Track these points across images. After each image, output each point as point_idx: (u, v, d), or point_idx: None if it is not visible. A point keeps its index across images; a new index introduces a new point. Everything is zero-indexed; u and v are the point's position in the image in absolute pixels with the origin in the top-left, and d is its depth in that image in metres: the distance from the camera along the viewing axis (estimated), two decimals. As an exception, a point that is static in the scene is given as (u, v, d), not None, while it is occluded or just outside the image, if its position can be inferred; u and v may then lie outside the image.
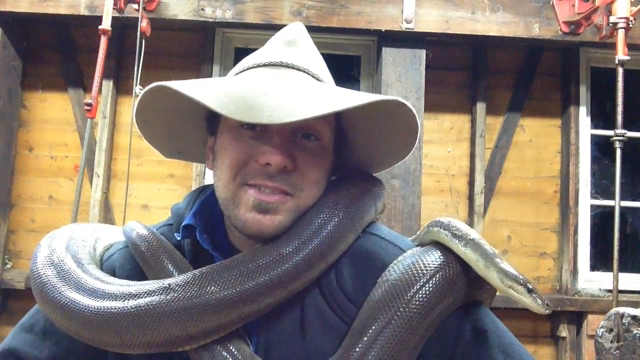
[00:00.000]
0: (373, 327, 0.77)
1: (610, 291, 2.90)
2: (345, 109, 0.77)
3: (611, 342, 1.21)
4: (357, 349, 0.76)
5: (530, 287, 0.76)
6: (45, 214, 3.24)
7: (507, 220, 3.29)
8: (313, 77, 0.87)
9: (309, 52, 0.91)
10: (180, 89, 0.76)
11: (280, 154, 0.79)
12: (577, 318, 3.15)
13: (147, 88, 0.82)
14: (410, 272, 0.80)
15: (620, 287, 2.57)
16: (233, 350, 0.78)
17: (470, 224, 3.22)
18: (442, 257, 0.82)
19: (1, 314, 3.12)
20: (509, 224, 3.29)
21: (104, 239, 0.97)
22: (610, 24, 2.64)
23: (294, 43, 0.90)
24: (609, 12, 2.66)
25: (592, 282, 3.24)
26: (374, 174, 0.97)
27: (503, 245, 3.28)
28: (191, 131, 0.93)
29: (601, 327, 1.24)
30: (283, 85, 0.81)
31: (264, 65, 0.87)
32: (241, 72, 0.89)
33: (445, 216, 0.88)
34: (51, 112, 3.28)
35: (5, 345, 0.90)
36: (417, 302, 0.78)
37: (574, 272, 3.22)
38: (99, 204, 3.15)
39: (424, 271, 0.80)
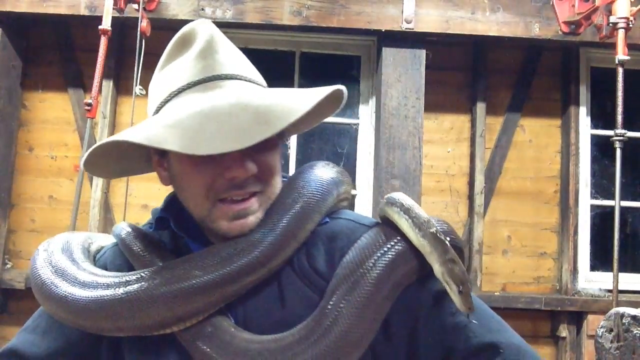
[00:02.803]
0: (343, 286, 0.82)
1: (610, 291, 2.90)
2: (297, 118, 0.80)
3: (611, 342, 1.21)
4: (329, 306, 0.80)
5: (462, 289, 0.79)
6: (45, 214, 3.24)
7: (507, 220, 3.29)
8: (248, 81, 0.88)
9: (230, 51, 0.90)
10: (132, 139, 0.79)
11: (243, 165, 0.82)
12: (577, 318, 3.15)
13: (94, 147, 0.85)
14: (377, 238, 0.86)
15: (620, 287, 2.57)
16: (217, 325, 0.83)
17: (470, 224, 3.23)
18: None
19: (1, 314, 3.12)
20: (509, 224, 3.29)
21: (97, 243, 1.05)
22: (610, 24, 2.64)
23: (214, 46, 0.87)
24: (609, 12, 2.66)
25: (592, 282, 3.24)
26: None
27: (503, 245, 3.28)
28: (131, 153, 0.94)
29: (601, 327, 1.24)
30: (230, 104, 0.80)
31: (198, 82, 0.85)
32: (174, 95, 0.86)
33: (403, 195, 0.89)
34: (51, 112, 3.28)
35: (7, 346, 0.96)
36: (383, 262, 0.83)
37: (574, 272, 3.22)
38: (99, 204, 3.15)
39: (389, 238, 0.85)
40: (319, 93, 0.86)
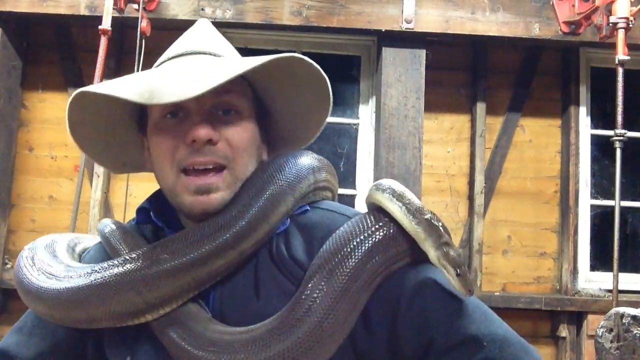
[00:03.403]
0: (318, 276, 0.79)
1: (610, 291, 2.89)
2: (238, 75, 0.81)
3: (611, 342, 1.21)
4: (303, 296, 0.78)
5: (459, 272, 0.78)
6: (45, 214, 3.24)
7: (507, 220, 3.29)
8: (215, 55, 0.92)
9: (209, 36, 0.96)
10: (96, 90, 0.83)
11: (202, 128, 0.83)
12: (577, 318, 3.15)
13: (70, 99, 0.88)
14: (355, 226, 0.83)
15: (620, 287, 2.57)
16: (189, 315, 0.83)
17: (470, 224, 3.23)
18: (386, 216, 0.84)
19: (1, 314, 3.12)
20: (509, 224, 3.29)
21: (84, 243, 1.06)
22: (610, 24, 2.64)
23: (196, 32, 0.96)
24: (609, 12, 2.66)
25: (592, 282, 3.24)
26: (305, 144, 1.02)
27: (503, 245, 3.28)
28: (128, 139, 0.99)
29: (601, 327, 1.24)
30: (186, 68, 0.86)
31: (171, 58, 0.92)
32: (156, 67, 0.94)
33: (396, 183, 0.87)
34: (51, 112, 3.28)
35: None
36: (360, 251, 0.80)
37: (574, 272, 3.22)
38: (99, 204, 3.14)
39: (368, 226, 0.83)
40: (271, 57, 0.85)
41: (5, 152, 3.15)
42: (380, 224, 0.83)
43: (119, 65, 3.24)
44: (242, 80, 0.89)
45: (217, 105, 0.87)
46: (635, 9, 2.63)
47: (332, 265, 0.79)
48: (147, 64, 2.80)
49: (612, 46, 2.66)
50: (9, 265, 3.19)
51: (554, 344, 3.20)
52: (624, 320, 1.19)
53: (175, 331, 0.81)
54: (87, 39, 3.22)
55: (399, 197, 0.83)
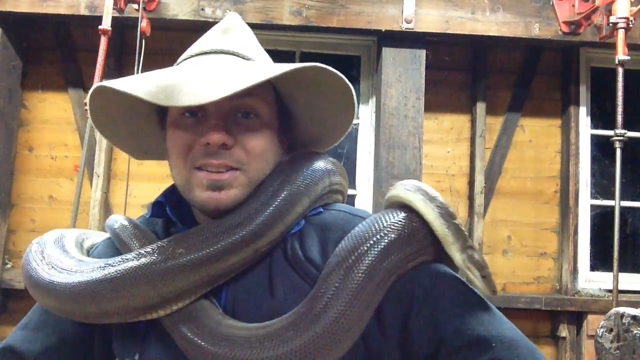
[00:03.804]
0: (335, 273, 0.80)
1: (610, 291, 2.89)
2: (264, 80, 0.81)
3: (611, 342, 1.21)
4: (320, 293, 0.79)
5: (484, 274, 0.83)
6: (45, 214, 3.24)
7: (507, 220, 3.29)
8: (242, 58, 0.91)
9: (240, 36, 0.95)
10: (115, 86, 0.83)
11: (217, 132, 0.83)
12: (577, 318, 3.15)
13: (90, 91, 0.89)
14: (372, 225, 0.85)
15: (620, 287, 2.57)
16: (202, 311, 0.82)
17: (470, 224, 3.23)
18: (405, 214, 0.86)
19: (1, 314, 3.12)
20: (509, 224, 3.29)
21: (91, 239, 1.05)
22: (610, 24, 2.64)
23: (227, 31, 0.95)
24: (609, 12, 2.66)
25: (592, 282, 3.24)
26: (325, 150, 1.02)
27: (503, 245, 3.28)
28: (149, 129, 0.98)
29: (601, 327, 1.24)
30: (210, 69, 0.86)
31: (198, 54, 0.92)
32: (178, 64, 0.94)
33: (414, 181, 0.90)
34: (51, 112, 3.28)
35: (3, 344, 0.96)
36: (377, 249, 0.81)
37: (574, 272, 3.22)
38: (99, 204, 3.14)
39: (384, 225, 0.84)
40: (297, 65, 0.84)
41: (5, 152, 3.15)
42: (397, 223, 0.85)
43: (119, 65, 3.24)
44: (265, 84, 0.88)
45: (236, 108, 0.87)
46: (635, 9, 2.63)
47: (349, 263, 0.80)
48: (147, 64, 2.81)
49: (612, 46, 2.66)
50: (9, 265, 3.19)
51: (554, 344, 3.20)
52: (624, 320, 1.18)
53: (188, 327, 0.81)
54: (87, 39, 3.22)
55: (432, 200, 0.85)
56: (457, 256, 0.83)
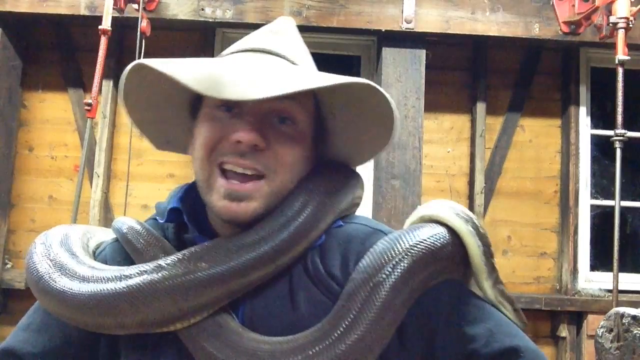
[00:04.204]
0: (362, 290, 0.80)
1: (610, 291, 2.89)
2: (310, 89, 0.79)
3: (611, 342, 1.21)
4: (346, 310, 0.79)
5: (515, 307, 0.91)
6: (45, 214, 3.24)
7: (507, 220, 3.29)
8: (289, 61, 0.88)
9: (290, 40, 0.92)
10: (158, 67, 0.79)
11: (251, 131, 0.80)
12: (577, 318, 3.15)
13: (127, 68, 0.84)
14: (397, 242, 0.84)
15: (620, 287, 2.57)
16: (223, 324, 0.80)
17: (470, 224, 3.22)
18: (443, 235, 0.86)
19: (1, 314, 3.12)
20: (509, 224, 3.29)
21: (96, 237, 1.01)
22: (610, 24, 2.64)
23: (278, 32, 0.92)
24: (609, 12, 2.66)
25: (592, 282, 3.24)
26: (353, 167, 1.00)
27: (503, 245, 3.28)
28: (177, 118, 0.95)
29: (601, 327, 1.24)
30: (256, 67, 0.83)
31: (245, 50, 0.89)
32: (224, 56, 0.91)
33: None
34: (51, 112, 3.28)
35: (3, 345, 0.92)
36: (402, 267, 0.81)
37: (574, 272, 3.22)
38: (99, 204, 3.14)
39: (411, 244, 0.83)
40: (347, 79, 0.81)
41: (5, 152, 3.15)
42: (423, 241, 0.84)
43: (119, 65, 3.23)
44: (308, 92, 0.84)
45: (274, 111, 0.84)
46: (635, 9, 2.63)
47: (376, 281, 0.80)
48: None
49: (612, 46, 2.66)
50: (9, 265, 3.19)
51: (554, 344, 3.20)
52: (624, 320, 1.18)
53: (208, 340, 0.79)
54: (87, 39, 3.22)
55: (481, 237, 0.89)
56: (489, 291, 0.88)
